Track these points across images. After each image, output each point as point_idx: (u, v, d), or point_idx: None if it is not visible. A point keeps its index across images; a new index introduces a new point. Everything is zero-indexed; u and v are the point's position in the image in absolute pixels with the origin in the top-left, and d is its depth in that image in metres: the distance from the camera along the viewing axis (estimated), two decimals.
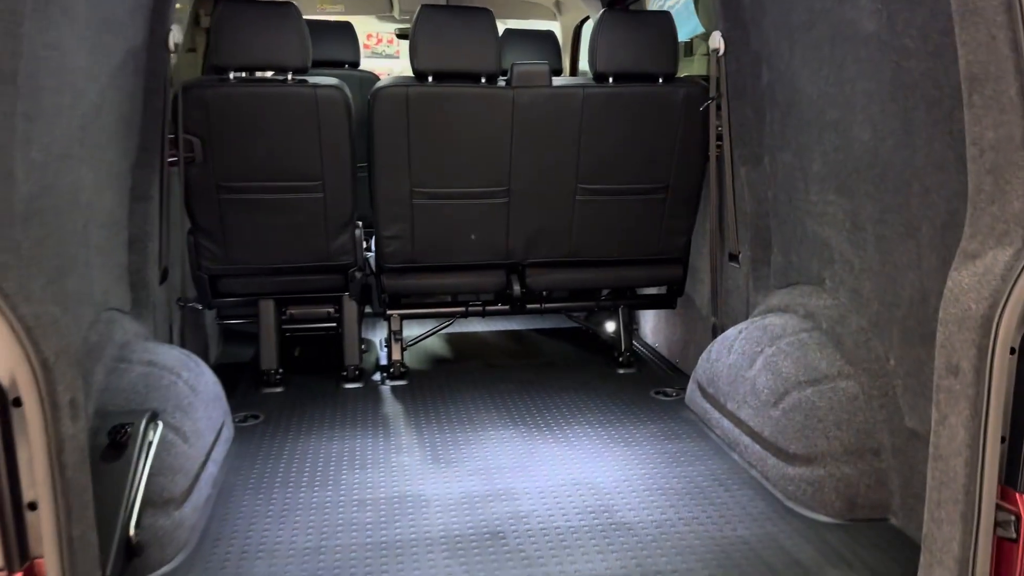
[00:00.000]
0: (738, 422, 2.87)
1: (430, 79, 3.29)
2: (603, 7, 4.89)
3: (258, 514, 2.44)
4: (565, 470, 2.77)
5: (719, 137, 3.40)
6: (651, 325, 4.46)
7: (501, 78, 3.43)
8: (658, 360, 4.16)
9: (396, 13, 5.31)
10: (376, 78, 4.63)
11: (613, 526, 2.38)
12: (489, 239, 3.59)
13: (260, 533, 2.32)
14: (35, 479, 1.43)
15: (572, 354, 4.24)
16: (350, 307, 3.72)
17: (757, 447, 2.72)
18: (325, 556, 2.20)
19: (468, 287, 3.75)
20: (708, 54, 3.35)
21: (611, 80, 3.43)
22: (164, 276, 3.08)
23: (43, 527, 1.44)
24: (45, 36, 1.97)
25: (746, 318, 3.30)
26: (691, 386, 3.36)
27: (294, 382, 3.72)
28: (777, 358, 2.75)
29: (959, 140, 2.07)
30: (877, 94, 2.40)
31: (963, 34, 1.84)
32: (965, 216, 2.02)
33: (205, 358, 3.91)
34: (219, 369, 3.82)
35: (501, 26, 5.26)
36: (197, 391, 2.57)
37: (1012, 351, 1.73)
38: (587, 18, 5.38)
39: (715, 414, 3.07)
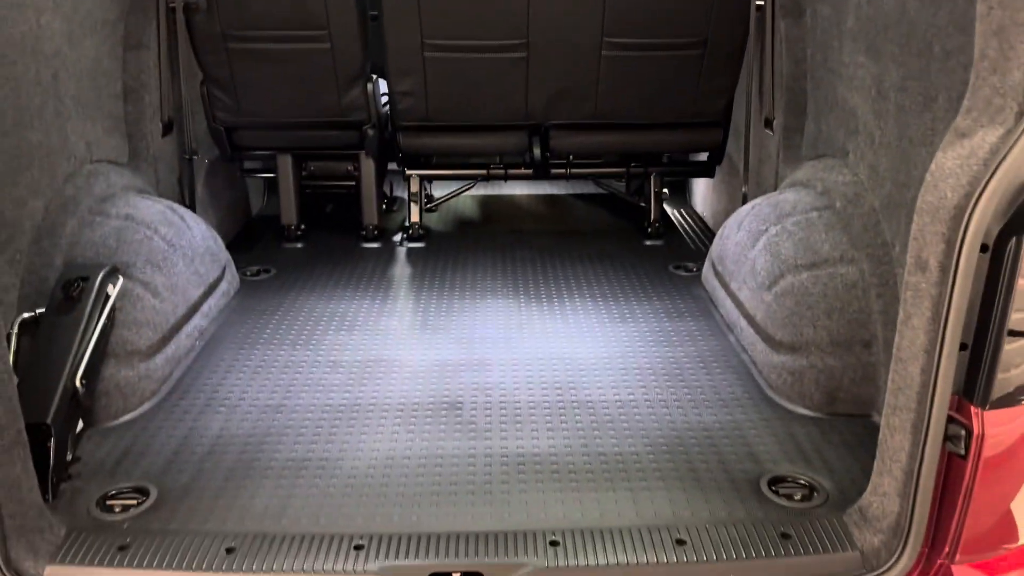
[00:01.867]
0: (738, 303, 2.70)
1: None
2: None
3: (233, 369, 2.50)
4: (548, 344, 2.70)
5: None
6: (701, 192, 4.20)
7: None
8: (702, 230, 3.94)
9: None
10: None
11: (574, 404, 2.31)
12: (507, 98, 3.39)
13: (228, 388, 2.39)
14: None
15: (602, 221, 4.08)
16: (367, 165, 3.65)
17: (750, 331, 2.56)
18: (280, 415, 2.25)
19: (487, 148, 3.60)
20: None
21: None
22: (168, 128, 3.07)
23: None
24: None
25: (774, 188, 3.04)
26: (707, 263, 3.17)
27: (314, 238, 3.74)
28: (780, 238, 2.52)
29: None
30: None
31: None
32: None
33: (246, 209, 3.99)
34: (258, 221, 3.88)
35: None
36: (176, 246, 2.60)
37: (984, 248, 1.50)
38: None
39: (721, 293, 2.90)
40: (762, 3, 3.03)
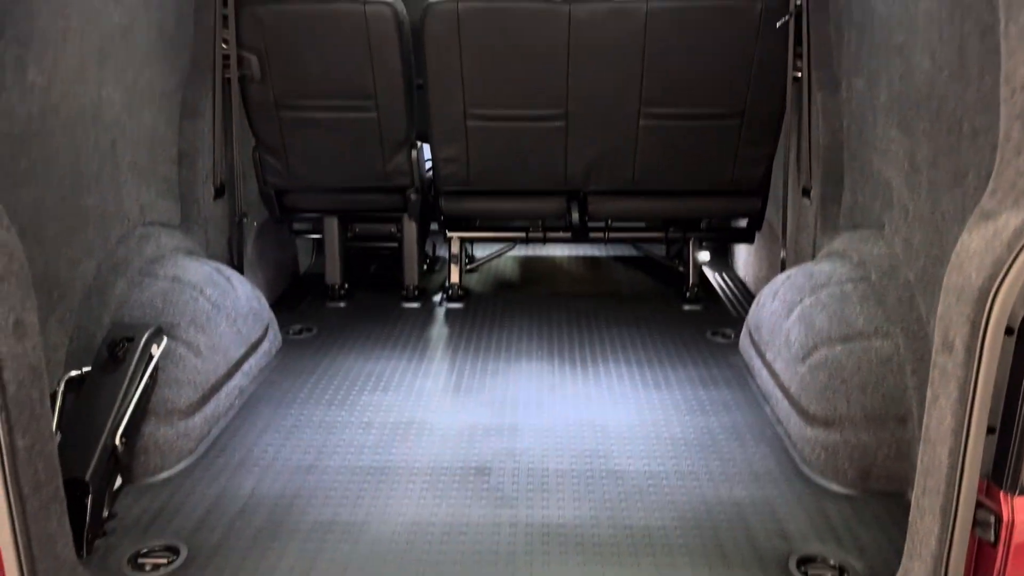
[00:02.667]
0: (773, 374, 2.67)
1: None
2: None
3: (269, 428, 2.56)
4: (580, 409, 2.70)
5: (798, 57, 3.06)
6: (743, 257, 4.20)
7: None
8: (743, 295, 3.92)
9: None
10: None
11: (603, 473, 2.31)
12: (547, 164, 3.47)
13: (262, 447, 2.44)
14: None
15: (641, 285, 4.09)
16: (409, 227, 3.75)
17: (785, 403, 2.53)
18: (311, 476, 2.29)
19: (526, 213, 3.67)
20: None
21: None
22: (220, 192, 3.21)
23: None
24: None
25: (812, 259, 3.03)
26: (743, 331, 3.15)
27: (358, 298, 3.82)
28: (814, 309, 2.51)
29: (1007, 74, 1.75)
30: (936, 15, 2.05)
31: None
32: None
33: (294, 269, 4.12)
34: (305, 278, 4.00)
35: None
36: (221, 307, 2.69)
37: (1009, 331, 1.48)
38: None
39: (757, 362, 2.88)
40: (799, 75, 3.07)
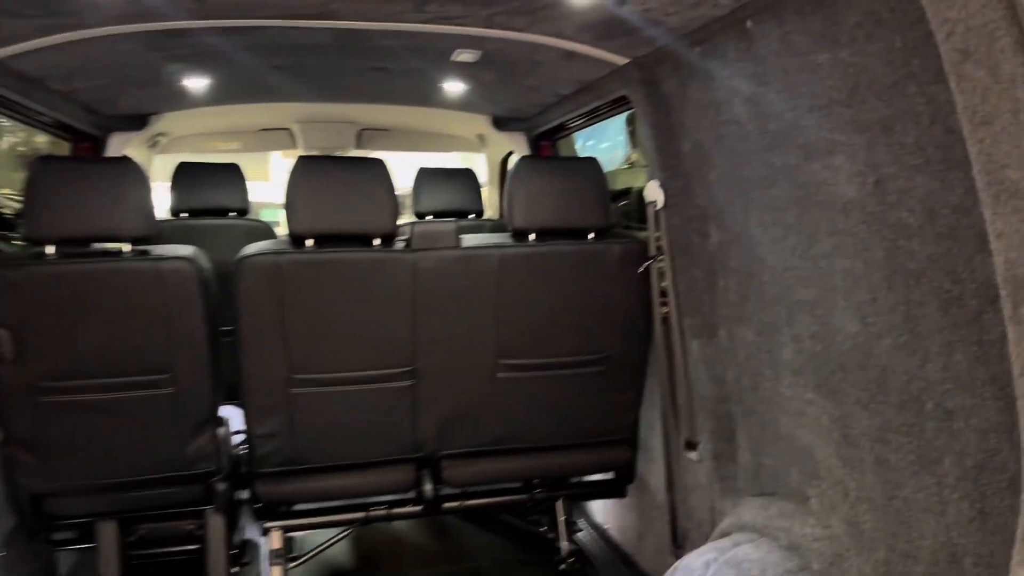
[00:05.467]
0: None
1: (309, 243, 2.68)
2: (528, 142, 4.43)
3: None
4: None
5: (666, 303, 2.83)
6: (600, 505, 3.76)
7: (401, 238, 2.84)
8: (610, 550, 3.45)
9: (301, 149, 4.77)
10: (267, 228, 4.03)
11: None
12: (392, 430, 2.91)
13: None
14: None
15: (505, 556, 3.51)
16: (215, 523, 2.96)
17: None
18: None
19: (368, 489, 3.04)
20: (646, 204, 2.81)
21: (532, 238, 2.87)
22: None
23: None
24: None
25: (711, 527, 2.64)
26: None
27: None
28: None
29: (992, 355, 1.49)
30: (865, 278, 1.84)
31: (998, 222, 1.29)
32: (1008, 456, 1.44)
33: None
34: None
35: (420, 162, 4.77)
36: None
37: None
38: (512, 152, 4.92)
39: None
40: (666, 316, 2.82)
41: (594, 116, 3.60)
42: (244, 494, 3.15)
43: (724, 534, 2.51)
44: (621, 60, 2.70)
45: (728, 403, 2.63)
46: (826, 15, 1.75)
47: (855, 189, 1.81)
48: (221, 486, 2.84)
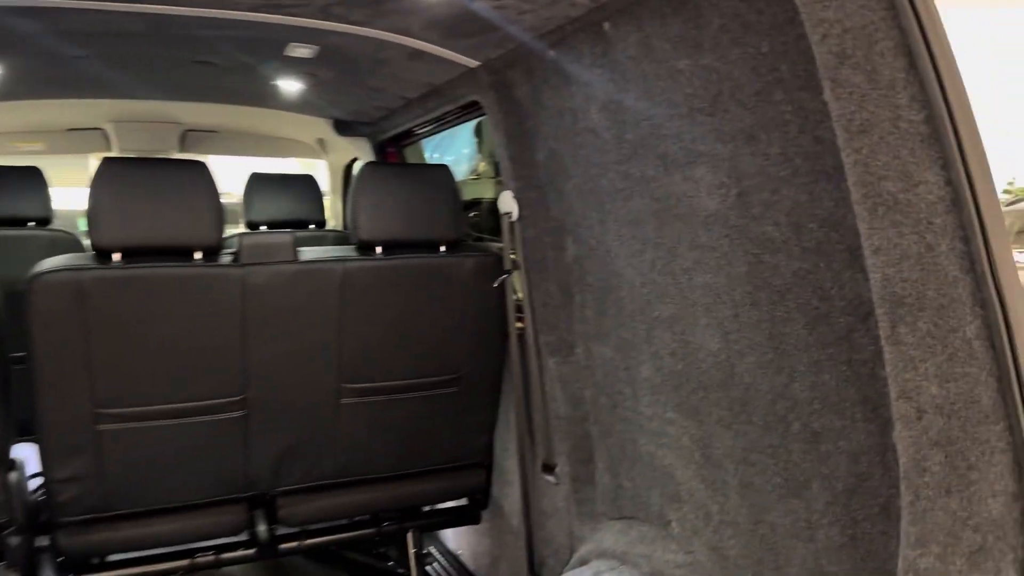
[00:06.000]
0: None
1: (116, 257, 2.34)
2: (373, 148, 4.19)
3: None
4: None
5: (521, 319, 2.70)
6: (453, 533, 3.57)
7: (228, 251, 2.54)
8: None
9: (116, 152, 4.28)
10: (74, 240, 3.56)
11: None
12: (220, 467, 2.60)
13: None
14: None
15: None
16: None
17: None
18: None
19: (192, 534, 2.69)
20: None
21: (379, 251, 2.65)
22: None
23: None
24: None
25: (570, 553, 2.53)
26: None
27: None
28: None
29: (863, 375, 1.44)
30: (727, 294, 1.76)
31: (875, 237, 1.22)
32: (879, 481, 1.38)
33: None
34: None
35: (254, 166, 4.41)
36: None
37: None
38: (356, 158, 4.66)
39: None
40: (522, 333, 2.69)
41: (443, 122, 3.42)
42: (45, 542, 2.73)
43: (583, 561, 2.39)
44: (472, 62, 2.55)
45: (586, 423, 2.52)
46: (688, 19, 1.66)
47: (717, 201, 1.73)
48: (14, 540, 2.42)
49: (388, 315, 2.65)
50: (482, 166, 5.40)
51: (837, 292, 1.46)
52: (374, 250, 2.64)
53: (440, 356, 2.76)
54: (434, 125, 3.56)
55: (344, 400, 2.68)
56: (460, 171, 5.34)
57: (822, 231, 1.47)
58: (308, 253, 2.59)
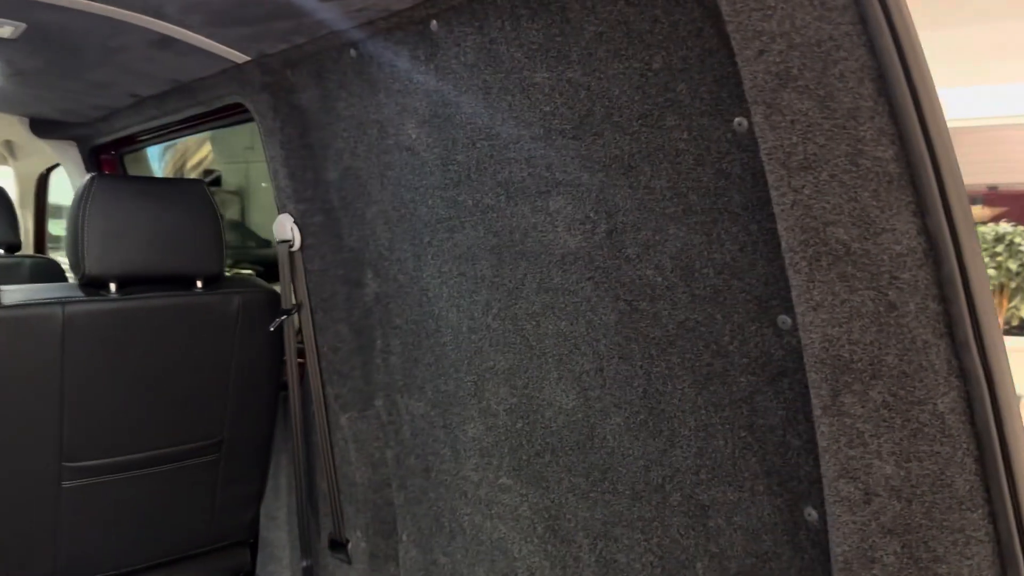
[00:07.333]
0: None
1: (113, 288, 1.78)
2: (83, 154, 3.45)
3: None
4: None
5: (302, 367, 2.27)
6: None
7: None
8: None
9: None
10: (57, 267, 3.08)
11: None
12: None
13: None
14: None
15: None
16: None
17: None
18: None
19: None
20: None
21: (113, 289, 2.06)
22: None
23: None
24: None
25: None
26: None
27: None
28: None
29: (771, 444, 1.27)
30: (588, 345, 1.52)
31: (815, 292, 1.05)
32: (788, 563, 1.23)
33: None
34: None
35: None
36: None
37: None
38: (57, 164, 3.82)
39: None
40: (304, 385, 2.26)
41: (187, 127, 2.86)
42: None
43: None
44: (241, 57, 2.08)
45: (388, 490, 2.16)
46: (550, 23, 1.40)
47: (579, 239, 1.49)
48: None
49: (126, 371, 2.08)
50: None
51: (737, 348, 1.28)
52: (107, 288, 2.06)
53: (196, 418, 2.24)
54: (172, 131, 2.97)
55: (66, 483, 2.06)
56: None
57: (720, 278, 1.27)
58: (11, 294, 1.95)
